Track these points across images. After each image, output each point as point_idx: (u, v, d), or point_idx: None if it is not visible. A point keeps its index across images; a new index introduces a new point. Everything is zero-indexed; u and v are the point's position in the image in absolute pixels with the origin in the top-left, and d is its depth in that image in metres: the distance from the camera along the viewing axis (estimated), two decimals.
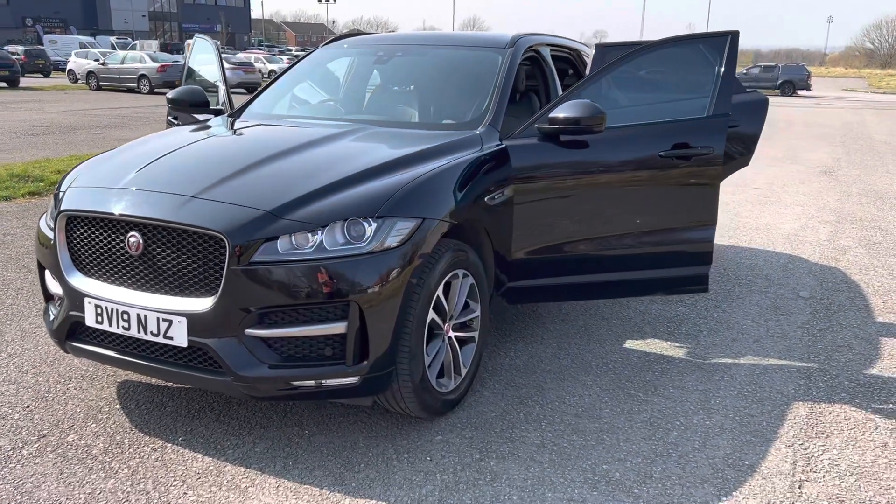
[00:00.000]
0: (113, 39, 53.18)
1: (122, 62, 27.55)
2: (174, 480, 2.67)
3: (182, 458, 2.82)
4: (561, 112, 3.44)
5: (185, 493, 2.60)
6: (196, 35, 5.17)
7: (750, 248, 6.20)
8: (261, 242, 2.62)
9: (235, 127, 3.89)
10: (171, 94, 4.40)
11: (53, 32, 64.08)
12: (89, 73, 28.55)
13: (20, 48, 38.11)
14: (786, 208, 7.97)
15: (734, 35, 3.76)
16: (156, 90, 25.48)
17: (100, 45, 46.97)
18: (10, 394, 3.30)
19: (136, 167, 3.08)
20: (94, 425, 3.04)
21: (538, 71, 4.48)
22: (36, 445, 2.88)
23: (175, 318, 2.68)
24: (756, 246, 6.26)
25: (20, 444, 2.89)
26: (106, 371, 3.52)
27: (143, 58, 27.19)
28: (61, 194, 3.09)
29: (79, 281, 2.92)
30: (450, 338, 3.14)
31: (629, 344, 4.03)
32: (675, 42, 3.85)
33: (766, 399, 3.40)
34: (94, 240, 2.89)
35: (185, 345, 2.69)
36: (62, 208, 2.98)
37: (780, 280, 5.27)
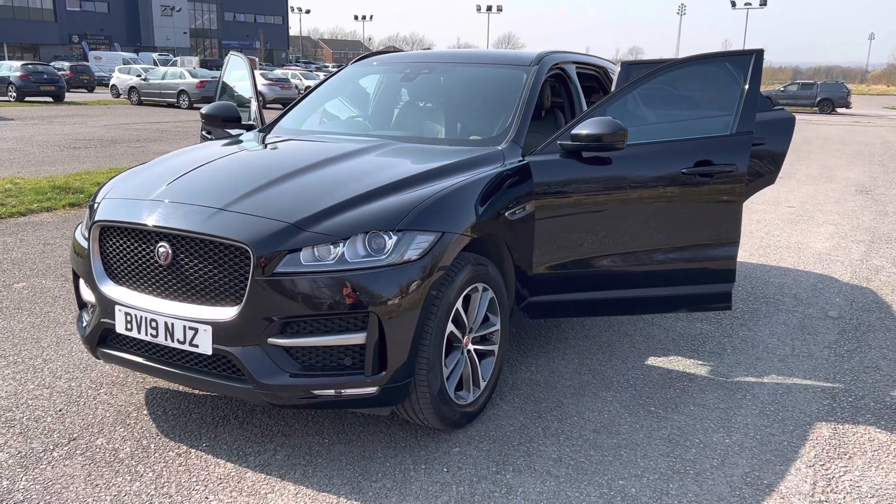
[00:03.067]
0: (155, 56, 54.47)
1: (163, 78, 28.21)
2: (197, 485, 2.74)
3: (205, 463, 2.89)
4: (583, 129, 3.48)
5: (206, 498, 2.66)
6: (231, 52, 5.31)
7: (779, 266, 6.13)
8: (284, 254, 2.70)
9: (264, 142, 4.00)
10: (204, 109, 4.53)
11: (99, 49, 65.89)
12: (131, 89, 29.30)
13: (66, 64, 39.29)
14: (818, 227, 7.87)
15: (759, 53, 3.76)
16: (195, 105, 26.02)
17: (142, 61, 48.16)
18: (44, 398, 3.41)
19: (166, 180, 3.18)
20: (122, 430, 3.14)
21: (563, 88, 4.52)
22: (66, 448, 2.98)
23: (201, 327, 2.76)
24: (786, 265, 6.19)
25: (51, 447, 2.99)
26: (135, 377, 3.62)
27: (182, 74, 27.81)
28: (96, 205, 3.21)
29: (110, 289, 3.02)
30: (469, 351, 3.18)
31: (652, 361, 4.02)
32: (700, 60, 3.87)
33: (788, 418, 3.37)
34: (125, 249, 2.99)
35: (209, 353, 2.77)
36: (96, 219, 3.09)
37: (809, 299, 5.21)
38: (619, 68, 4.56)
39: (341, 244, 2.73)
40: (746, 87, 3.74)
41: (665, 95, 4.01)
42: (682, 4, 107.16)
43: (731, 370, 3.91)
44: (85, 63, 42.63)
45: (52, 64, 38.05)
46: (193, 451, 2.98)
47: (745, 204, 7.25)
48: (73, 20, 70.42)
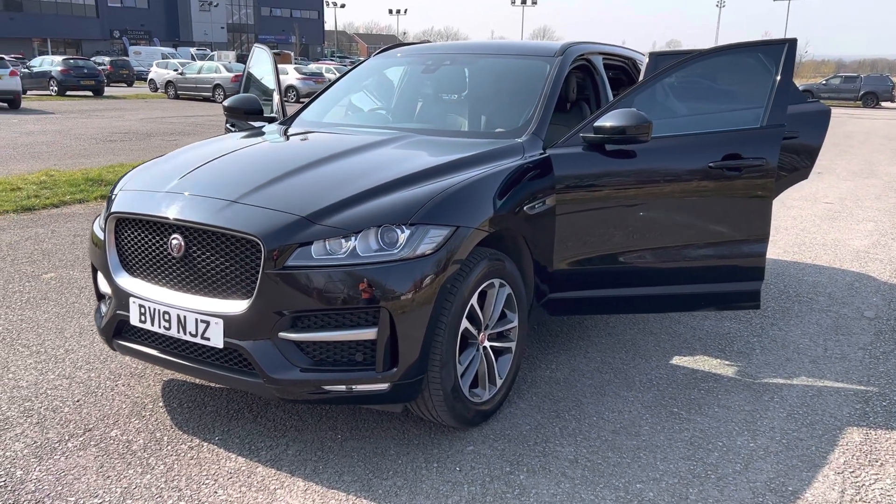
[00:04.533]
0: (192, 50, 55.18)
1: (199, 72, 28.55)
2: (206, 479, 2.72)
3: (217, 457, 2.88)
4: (606, 121, 3.39)
5: (215, 492, 2.64)
6: (255, 45, 5.30)
7: (815, 264, 5.95)
8: (295, 247, 2.66)
9: (283, 134, 3.97)
10: (227, 102, 4.52)
11: (139, 44, 67.04)
12: (168, 83, 29.71)
13: (106, 59, 39.95)
14: (857, 224, 7.63)
15: (792, 42, 3.62)
16: None
17: (180, 55, 48.81)
18: (63, 388, 3.43)
19: (182, 172, 3.17)
20: (136, 421, 3.14)
21: (589, 80, 4.41)
22: (81, 439, 2.99)
23: (212, 320, 2.74)
24: (821, 263, 6.01)
25: (66, 437, 3.00)
26: (153, 370, 3.63)
27: (218, 68, 28.11)
28: (113, 197, 3.21)
29: (125, 281, 3.01)
30: (485, 347, 3.11)
31: (676, 360, 3.91)
32: (730, 50, 3.74)
33: (817, 423, 3.25)
34: (139, 241, 2.99)
35: (221, 346, 2.74)
36: (112, 210, 3.09)
37: (845, 298, 5.04)
38: (647, 59, 4.44)
39: (353, 238, 2.68)
40: (778, 77, 3.60)
41: (693, 87, 3.89)
42: None
43: (758, 371, 3.79)
44: (125, 58, 43.34)
45: (92, 59, 38.76)
46: (206, 444, 2.97)
47: (779, 199, 7.03)
48: (115, 16, 71.68)
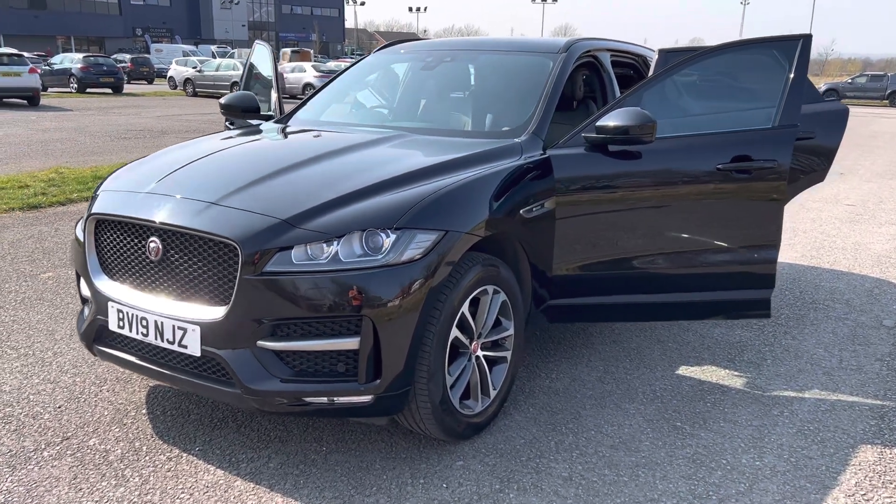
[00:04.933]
0: (213, 48, 55.44)
1: (217, 70, 28.62)
2: (182, 493, 2.61)
3: (195, 469, 2.76)
4: (608, 120, 3.23)
5: None
6: (256, 42, 5.19)
7: (833, 269, 5.74)
8: (274, 252, 2.53)
9: (274, 133, 3.86)
10: (223, 100, 4.42)
11: (160, 42, 67.54)
12: (186, 80, 29.83)
13: (127, 56, 40.25)
14: (880, 227, 7.39)
15: (806, 38, 3.44)
16: None
17: (201, 53, 49.03)
18: (46, 393, 3.34)
19: (164, 173, 3.06)
20: (117, 430, 3.03)
21: (596, 77, 4.25)
22: (58, 448, 2.89)
23: (189, 327, 2.62)
24: (840, 267, 5.79)
25: (43, 446, 2.90)
26: (139, 375, 3.52)
27: (235, 66, 28.14)
28: (95, 197, 3.11)
29: (104, 284, 2.91)
30: (477, 357, 2.98)
31: (683, 370, 3.75)
32: (741, 46, 3.57)
33: (828, 440, 3.07)
34: (119, 244, 2.88)
35: (198, 354, 2.63)
36: (92, 211, 2.99)
37: (863, 306, 4.84)
38: (656, 55, 4.27)
39: (335, 242, 2.56)
40: (792, 75, 3.43)
41: (703, 85, 3.73)
42: None
43: (769, 383, 3.61)
44: (145, 55, 43.63)
45: (114, 56, 39.06)
46: (185, 455, 2.85)
47: (799, 201, 6.84)
48: (137, 14, 72.27)
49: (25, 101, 20.91)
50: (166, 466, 2.77)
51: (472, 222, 2.80)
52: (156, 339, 2.71)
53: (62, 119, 17.24)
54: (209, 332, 2.59)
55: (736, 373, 3.73)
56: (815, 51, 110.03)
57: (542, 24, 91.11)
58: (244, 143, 3.60)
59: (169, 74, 33.63)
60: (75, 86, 27.42)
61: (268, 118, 4.41)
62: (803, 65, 3.42)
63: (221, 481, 2.69)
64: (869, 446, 3.03)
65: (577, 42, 4.03)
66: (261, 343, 2.56)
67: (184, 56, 41.82)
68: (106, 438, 2.96)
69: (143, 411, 3.20)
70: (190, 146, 3.55)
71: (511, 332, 3.12)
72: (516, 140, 3.34)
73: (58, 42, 63.77)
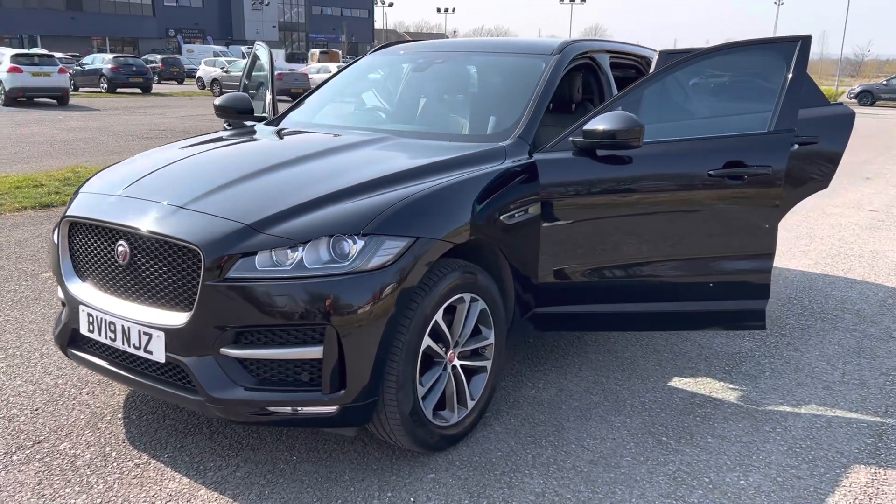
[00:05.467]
0: (243, 49, 55.97)
1: (262, 70, 28.79)
2: (143, 502, 2.57)
3: (161, 476, 2.72)
4: (596, 124, 3.14)
5: None
6: (256, 42, 5.17)
7: (847, 277, 5.56)
8: (238, 257, 2.48)
9: (260, 134, 3.81)
10: (217, 101, 4.39)
11: (192, 42, 68.42)
12: (213, 80, 30.12)
13: (158, 57, 40.76)
14: None
15: (805, 40, 3.31)
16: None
17: (231, 54, 49.51)
18: (26, 395, 3.33)
19: (140, 175, 3.03)
20: (90, 434, 3.00)
21: (594, 79, 4.15)
22: (28, 452, 2.87)
23: (154, 332, 2.58)
24: (855, 276, 5.61)
25: (14, 449, 2.88)
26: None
27: (261, 66, 28.27)
28: (72, 200, 3.08)
29: (77, 288, 2.89)
30: (454, 367, 2.90)
31: (676, 382, 3.63)
32: (738, 48, 3.44)
33: (820, 458, 2.94)
34: (90, 247, 2.85)
35: (163, 360, 2.59)
36: (66, 214, 2.97)
37: (874, 317, 4.66)
38: (657, 57, 4.16)
39: (300, 248, 2.49)
40: (789, 78, 3.29)
41: (699, 87, 3.61)
42: None
43: (764, 397, 3.48)
44: (175, 56, 44.17)
45: (144, 57, 39.59)
46: (154, 461, 2.81)
47: (819, 206, 6.71)
48: (170, 15, 73.30)
49: (55, 101, 21.27)
50: (133, 473, 2.74)
51: (446, 229, 2.72)
52: (123, 344, 2.68)
53: (88, 118, 17.48)
54: (173, 339, 2.54)
55: (731, 385, 3.60)
56: (852, 51, 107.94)
57: (569, 25, 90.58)
58: (225, 145, 3.56)
59: (198, 75, 34.01)
60: (105, 86, 27.81)
61: (262, 119, 4.38)
62: (802, 67, 3.29)
63: (185, 490, 2.64)
64: (863, 467, 2.90)
65: (573, 43, 3.93)
66: (224, 350, 2.51)
67: (214, 56, 42.26)
68: (77, 443, 2.94)
69: (119, 415, 3.17)
70: (171, 149, 3.52)
71: (491, 340, 3.04)
72: (501, 144, 3.26)
73: (93, 42, 64.96)
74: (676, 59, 3.88)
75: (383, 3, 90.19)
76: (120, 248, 2.69)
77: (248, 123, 4.35)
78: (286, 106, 4.50)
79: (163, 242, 2.59)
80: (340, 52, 49.45)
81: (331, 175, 2.89)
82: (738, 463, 2.89)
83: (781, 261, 5.98)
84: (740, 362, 3.89)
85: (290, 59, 55.47)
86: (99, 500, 2.57)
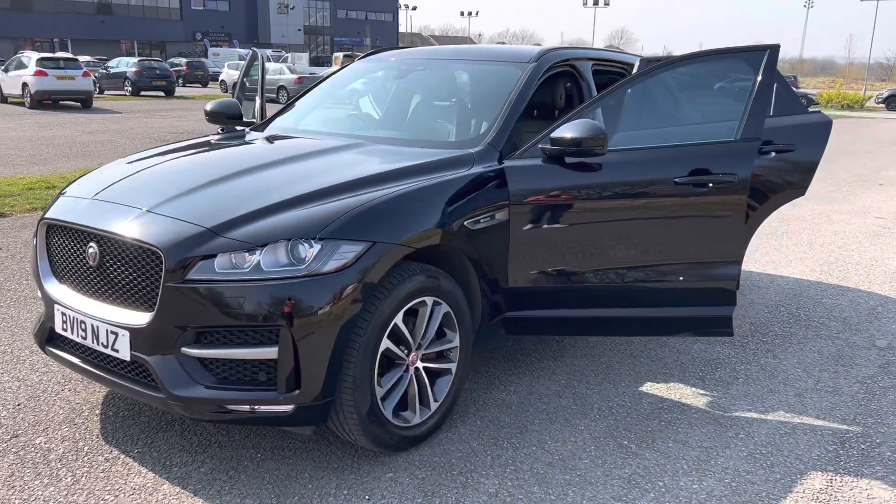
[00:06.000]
0: (269, 52, 56.55)
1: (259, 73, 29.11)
2: (107, 495, 2.66)
3: (128, 471, 2.81)
4: (562, 132, 3.19)
5: None
6: (252, 48, 5.28)
7: (840, 285, 5.53)
8: (197, 259, 2.57)
9: (241, 140, 3.91)
10: (208, 106, 4.51)
11: (219, 46, 69.25)
12: (235, 84, 30.44)
13: (183, 60, 41.31)
14: None
15: (773, 49, 3.33)
16: None
17: None
18: (10, 391, 3.45)
19: (115, 179, 3.14)
20: (66, 429, 3.11)
21: (575, 87, 4.19)
22: (4, 445, 2.98)
23: (120, 332, 2.68)
24: (848, 283, 5.58)
25: None
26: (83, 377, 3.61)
27: (282, 70, 28.65)
28: (52, 203, 3.20)
29: (53, 287, 3.00)
30: (417, 369, 2.96)
31: (647, 387, 3.66)
32: (709, 56, 3.48)
33: (778, 464, 2.96)
34: (64, 249, 2.96)
35: (128, 358, 2.68)
36: (44, 216, 3.08)
37: (859, 325, 4.65)
38: (638, 64, 4.19)
39: (258, 252, 2.58)
40: (756, 87, 3.32)
41: (670, 95, 3.64)
42: None
43: (733, 403, 3.50)
44: (200, 59, 44.71)
45: (170, 60, 40.15)
46: (122, 456, 2.91)
47: (825, 212, 6.73)
48: (197, 19, 74.26)
49: (79, 104, 21.68)
50: (101, 467, 2.83)
51: (405, 234, 2.79)
52: (93, 342, 2.78)
53: (109, 121, 17.81)
54: (137, 337, 2.64)
55: (702, 391, 3.62)
56: (883, 55, 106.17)
57: (593, 29, 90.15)
58: (203, 150, 3.66)
59: (221, 78, 34.44)
60: (129, 89, 28.27)
61: (250, 124, 4.48)
62: (769, 76, 3.31)
63: (149, 484, 2.73)
64: (819, 473, 2.91)
65: (551, 51, 3.97)
66: (185, 350, 2.60)
67: (239, 60, 42.76)
68: (53, 437, 3.04)
69: (97, 412, 3.27)
70: (150, 153, 3.62)
71: (456, 343, 3.09)
72: (469, 150, 3.31)
73: (122, 46, 66.02)
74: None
75: (407, 7, 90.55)
76: (90, 250, 2.79)
77: (239, 128, 4.46)
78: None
79: (128, 245, 2.69)
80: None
81: (296, 180, 2.97)
82: (694, 468, 2.92)
83: (777, 268, 5.97)
84: (715, 368, 3.90)
85: (314, 62, 55.97)
86: (65, 493, 2.67)
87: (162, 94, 28.75)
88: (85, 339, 2.81)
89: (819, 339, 4.39)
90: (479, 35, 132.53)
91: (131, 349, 2.66)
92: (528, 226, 3.26)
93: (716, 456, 3.02)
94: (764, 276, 5.73)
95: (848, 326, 4.62)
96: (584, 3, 78.35)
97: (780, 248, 6.68)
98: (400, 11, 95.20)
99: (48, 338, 3.07)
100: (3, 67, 23.29)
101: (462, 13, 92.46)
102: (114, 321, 2.70)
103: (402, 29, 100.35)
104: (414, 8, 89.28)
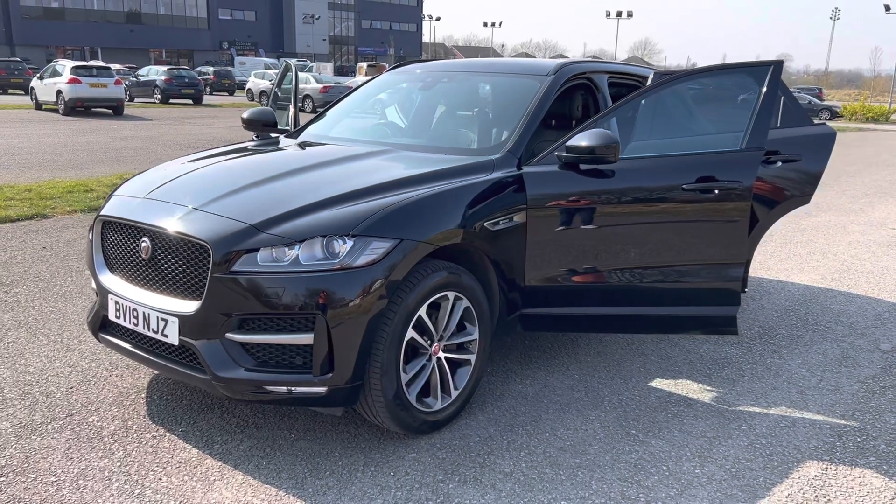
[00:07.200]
0: (294, 62, 57.24)
1: (291, 83, 29.63)
2: (156, 466, 2.93)
3: (174, 447, 3.08)
4: (576, 141, 3.42)
5: (159, 479, 2.84)
6: (283, 59, 5.57)
7: (849, 292, 5.69)
8: (242, 253, 2.83)
9: (278, 145, 4.18)
10: (245, 114, 4.80)
11: (245, 55, 70.26)
12: (261, 93, 31.02)
13: (210, 69, 42.06)
14: None
15: (777, 65, 3.54)
16: (318, 109, 27.17)
17: (281, 66, 50.74)
18: (63, 375, 3.74)
19: (166, 179, 3.42)
20: (115, 409, 3.39)
21: (591, 99, 4.42)
22: (61, 422, 3.26)
23: (170, 318, 2.94)
24: (858, 291, 5.73)
25: (49, 420, 3.27)
26: (135, 362, 3.88)
27: (308, 79, 29.12)
28: (107, 201, 3.48)
29: (107, 279, 3.28)
30: (439, 358, 3.20)
31: (656, 383, 3.86)
32: (715, 71, 3.69)
33: (776, 454, 3.15)
34: (119, 243, 3.24)
35: (176, 343, 2.95)
36: (100, 213, 3.37)
37: (865, 329, 4.81)
38: (651, 77, 4.41)
39: (296, 247, 2.83)
40: (761, 100, 3.53)
41: (679, 107, 3.86)
42: (837, 9, 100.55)
43: (738, 398, 3.69)
44: (227, 68, 45.49)
45: (198, 69, 40.88)
46: (168, 434, 3.18)
47: (840, 224, 6.93)
48: (224, 28, 75.44)
49: (111, 111, 22.25)
50: (150, 444, 3.10)
51: (429, 232, 3.03)
52: (144, 328, 3.05)
53: (140, 128, 18.29)
54: (185, 324, 2.90)
55: (708, 387, 3.82)
56: None
57: (616, 40, 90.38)
58: (244, 155, 3.94)
59: (247, 87, 35.04)
60: (159, 96, 28.91)
61: (284, 132, 4.76)
62: (773, 89, 3.52)
63: (194, 458, 2.99)
64: (816, 462, 3.10)
65: (569, 65, 4.21)
66: (229, 335, 2.86)
67: (265, 69, 43.43)
68: (104, 417, 3.32)
69: (143, 395, 3.55)
70: (196, 157, 3.91)
71: (475, 336, 3.33)
72: (491, 157, 3.55)
73: (150, 55, 67.23)
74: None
75: (431, 18, 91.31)
76: (143, 244, 3.07)
77: (273, 135, 4.74)
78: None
79: (178, 239, 2.96)
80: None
81: (331, 182, 3.23)
82: (697, 455, 3.13)
83: (789, 275, 6.13)
84: (722, 367, 4.10)
85: (338, 71, 56.64)
86: (118, 465, 2.93)
87: (190, 101, 29.35)
88: (137, 325, 3.08)
89: (825, 341, 4.57)
90: (503, 46, 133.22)
91: (180, 334, 2.92)
92: (545, 228, 3.49)
93: (718, 445, 3.22)
94: (776, 282, 5.90)
95: (854, 330, 4.78)
96: (608, 15, 78.55)
97: (794, 256, 6.84)
98: (424, 22, 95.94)
99: (101, 325, 3.34)
100: (38, 75, 23.97)
101: (485, 24, 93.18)
102: (164, 309, 2.97)
103: (425, 39, 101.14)
104: (437, 18, 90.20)
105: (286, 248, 2.84)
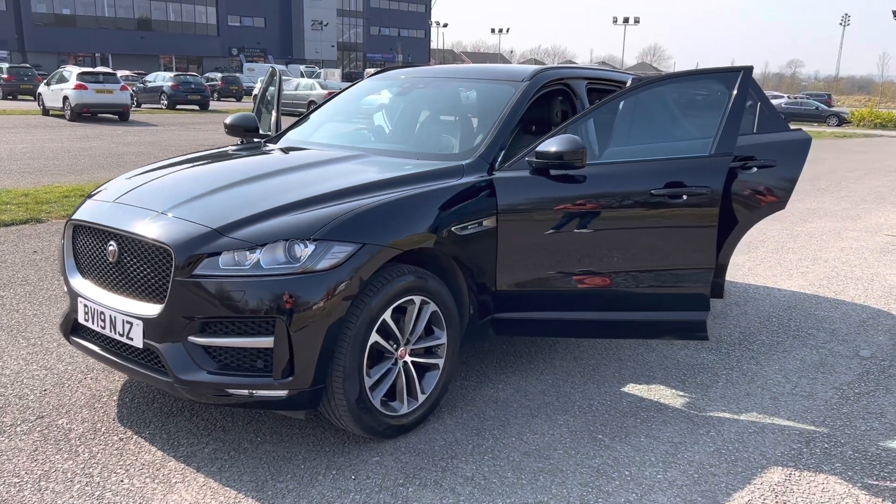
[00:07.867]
0: (302, 68, 57.56)
1: (296, 89, 29.80)
2: (119, 469, 2.95)
3: (139, 449, 3.10)
4: (545, 146, 3.43)
5: (121, 481, 2.86)
6: (270, 65, 5.61)
7: (835, 299, 5.67)
8: (204, 257, 2.85)
9: (254, 150, 4.21)
10: (227, 120, 4.83)
11: (254, 61, 70.62)
12: (256, 97, 31.14)
13: (218, 75, 42.32)
14: None
15: (747, 70, 3.55)
16: None
17: (290, 73, 50.98)
18: (38, 378, 3.77)
19: (136, 184, 3.45)
20: (86, 412, 3.41)
21: (569, 105, 4.43)
22: (30, 424, 3.28)
23: (134, 321, 2.97)
24: (844, 297, 5.71)
25: (19, 422, 3.30)
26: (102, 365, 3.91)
27: (313, 85, 29.26)
28: (79, 206, 3.52)
29: (77, 282, 3.31)
30: (405, 362, 3.21)
31: (629, 388, 3.86)
32: (685, 77, 3.70)
33: (741, 460, 3.15)
34: (88, 247, 3.27)
35: (141, 346, 2.97)
36: (71, 217, 3.40)
37: (846, 336, 4.79)
38: (629, 82, 4.42)
39: (258, 251, 2.85)
40: (730, 106, 3.53)
41: (652, 113, 3.86)
42: (847, 14, 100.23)
43: (709, 404, 3.69)
44: (235, 74, 45.74)
45: (206, 75, 41.14)
46: (135, 437, 3.20)
47: (834, 230, 6.93)
48: (233, 34, 75.94)
49: (117, 117, 22.42)
50: (115, 446, 3.12)
51: (393, 237, 3.05)
52: (111, 331, 3.08)
53: (144, 133, 18.42)
54: (149, 327, 2.93)
55: (681, 393, 3.82)
56: None
57: (623, 46, 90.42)
58: (218, 159, 3.96)
59: (254, 93, 35.15)
60: (165, 102, 29.10)
61: (267, 136, 4.79)
62: (742, 95, 3.53)
63: (157, 461, 3.01)
64: (780, 469, 3.09)
65: (545, 71, 4.23)
66: (191, 338, 2.88)
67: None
68: (73, 419, 3.34)
69: (115, 398, 3.57)
70: (174, 161, 3.94)
71: (443, 340, 3.34)
72: (461, 162, 3.57)
73: (160, 61, 67.71)
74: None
75: (439, 24, 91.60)
76: (110, 248, 3.10)
77: (256, 140, 4.78)
78: None
79: (142, 243, 2.99)
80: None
81: (297, 187, 3.26)
82: (661, 460, 3.12)
83: (776, 281, 6.12)
84: (697, 373, 4.09)
85: (347, 77, 56.83)
86: (82, 466, 2.96)
87: (197, 107, 29.52)
88: (104, 328, 3.11)
89: (805, 348, 4.55)
90: (511, 52, 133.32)
91: (144, 337, 2.95)
92: (515, 233, 3.50)
93: (683, 450, 3.21)
94: (762, 288, 5.89)
95: (835, 337, 4.77)
96: (615, 21, 78.50)
97: (783, 262, 6.82)
98: (432, 28, 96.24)
99: (72, 328, 3.37)
100: (45, 81, 24.18)
101: (493, 30, 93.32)
102: (129, 312, 2.99)
103: (433, 45, 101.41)
104: (445, 25, 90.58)
105: (248, 252, 2.86)
